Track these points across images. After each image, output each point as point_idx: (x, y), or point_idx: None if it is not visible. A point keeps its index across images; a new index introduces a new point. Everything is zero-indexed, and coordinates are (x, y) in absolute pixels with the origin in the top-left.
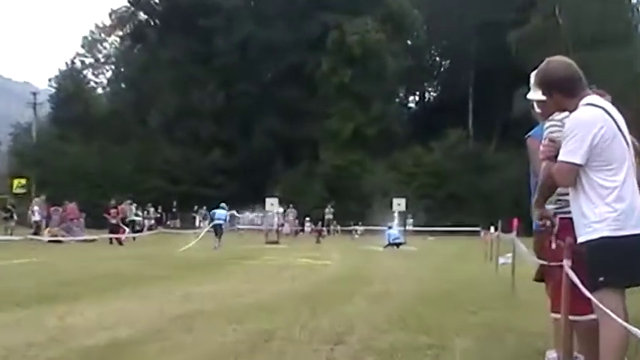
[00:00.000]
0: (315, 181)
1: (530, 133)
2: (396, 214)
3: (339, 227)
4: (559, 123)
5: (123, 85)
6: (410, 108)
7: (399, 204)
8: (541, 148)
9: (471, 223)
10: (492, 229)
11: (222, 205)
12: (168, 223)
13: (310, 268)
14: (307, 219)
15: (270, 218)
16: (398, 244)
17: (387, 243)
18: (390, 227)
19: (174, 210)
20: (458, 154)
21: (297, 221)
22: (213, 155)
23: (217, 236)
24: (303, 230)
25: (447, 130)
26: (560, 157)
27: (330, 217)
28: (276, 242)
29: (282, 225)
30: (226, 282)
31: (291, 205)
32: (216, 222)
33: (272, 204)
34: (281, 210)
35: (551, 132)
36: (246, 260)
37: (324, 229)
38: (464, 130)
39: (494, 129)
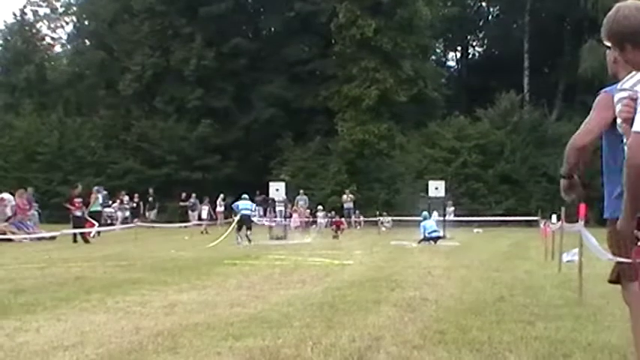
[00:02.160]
0: (331, 161)
1: (606, 89)
2: (432, 201)
3: (361, 218)
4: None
5: (87, 42)
6: (450, 67)
7: (436, 188)
8: (618, 106)
9: (527, 211)
10: (554, 218)
11: (245, 195)
12: (147, 214)
13: (325, 270)
14: (320, 208)
15: (277, 208)
16: (435, 239)
17: (421, 237)
18: (425, 217)
19: (150, 199)
20: (511, 124)
21: (308, 211)
22: (202, 129)
23: (247, 229)
24: (315, 222)
25: (497, 95)
26: (635, 128)
27: (350, 205)
28: (283, 237)
29: (290, 216)
30: (220, 288)
31: (301, 192)
32: (243, 212)
33: (277, 190)
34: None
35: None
36: (246, 260)
37: (343, 220)
38: (518, 94)
39: (555, 93)
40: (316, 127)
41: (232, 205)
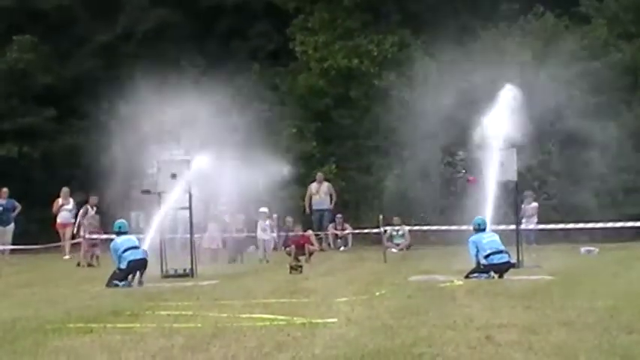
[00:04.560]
0: (281, 116)
1: None
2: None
3: (348, 229)
4: None
5: None
6: None
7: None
8: None
9: None
10: None
11: (122, 223)
12: None
13: (277, 338)
14: (263, 210)
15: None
16: (502, 268)
17: (474, 265)
18: (479, 226)
19: None
20: None
21: (242, 217)
22: None
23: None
24: (254, 240)
25: None
26: None
27: (325, 205)
28: (188, 273)
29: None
30: None
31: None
32: (132, 258)
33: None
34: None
35: None
36: (116, 322)
37: (311, 234)
38: None
39: None
40: (248, 45)
41: (111, 245)
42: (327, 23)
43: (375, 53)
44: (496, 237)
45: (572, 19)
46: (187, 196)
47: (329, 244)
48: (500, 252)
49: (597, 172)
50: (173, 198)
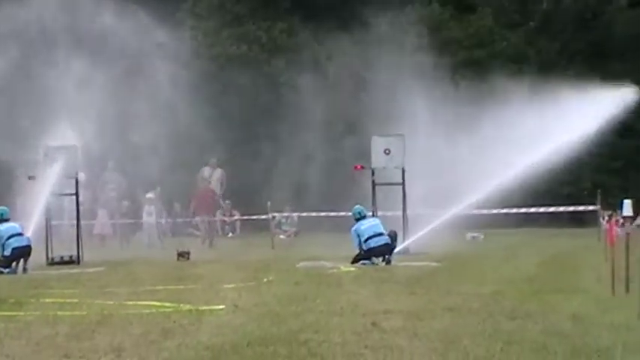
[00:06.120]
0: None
1: None
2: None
3: (236, 216)
4: None
5: None
6: None
7: (386, 151)
8: None
9: (575, 193)
10: (627, 206)
11: (4, 210)
12: None
13: (163, 325)
14: (150, 196)
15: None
16: (385, 252)
17: (357, 252)
18: (360, 214)
19: None
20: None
21: (125, 204)
22: None
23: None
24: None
25: None
26: None
27: (215, 188)
28: (74, 260)
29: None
30: None
31: (109, 164)
32: (16, 246)
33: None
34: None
35: None
36: (2, 310)
37: (200, 221)
38: None
39: None
40: None
41: None
42: (215, 9)
43: (264, 40)
44: (376, 221)
45: (458, 8)
46: (74, 182)
47: (217, 231)
48: (380, 234)
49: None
50: (51, 183)
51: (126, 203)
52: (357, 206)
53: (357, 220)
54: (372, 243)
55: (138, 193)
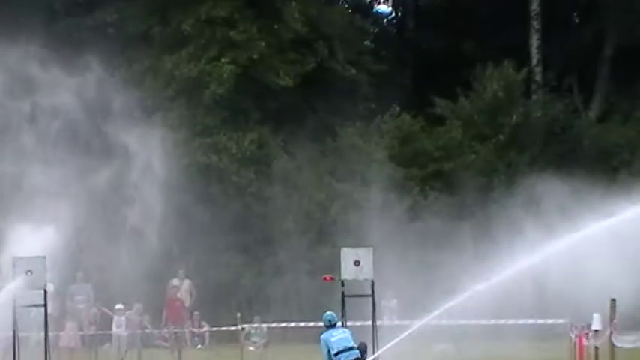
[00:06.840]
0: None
1: None
2: (350, 290)
3: (205, 327)
4: None
5: None
6: (382, 15)
7: (356, 262)
8: None
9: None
10: (596, 320)
11: None
12: None
13: None
14: (118, 307)
15: None
16: None
17: None
18: (330, 322)
19: None
20: (509, 126)
21: (94, 311)
22: None
23: None
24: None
25: (479, 70)
26: None
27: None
28: None
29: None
30: None
31: (79, 275)
32: None
33: None
34: None
35: None
36: None
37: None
38: (521, 66)
39: (596, 63)
40: None
41: None
42: (186, 120)
43: (234, 150)
44: (347, 334)
45: (428, 120)
46: (42, 292)
47: (185, 342)
48: (350, 349)
49: None
50: (11, 292)
51: (93, 311)
52: (327, 312)
53: (328, 327)
54: (342, 358)
55: (107, 304)
